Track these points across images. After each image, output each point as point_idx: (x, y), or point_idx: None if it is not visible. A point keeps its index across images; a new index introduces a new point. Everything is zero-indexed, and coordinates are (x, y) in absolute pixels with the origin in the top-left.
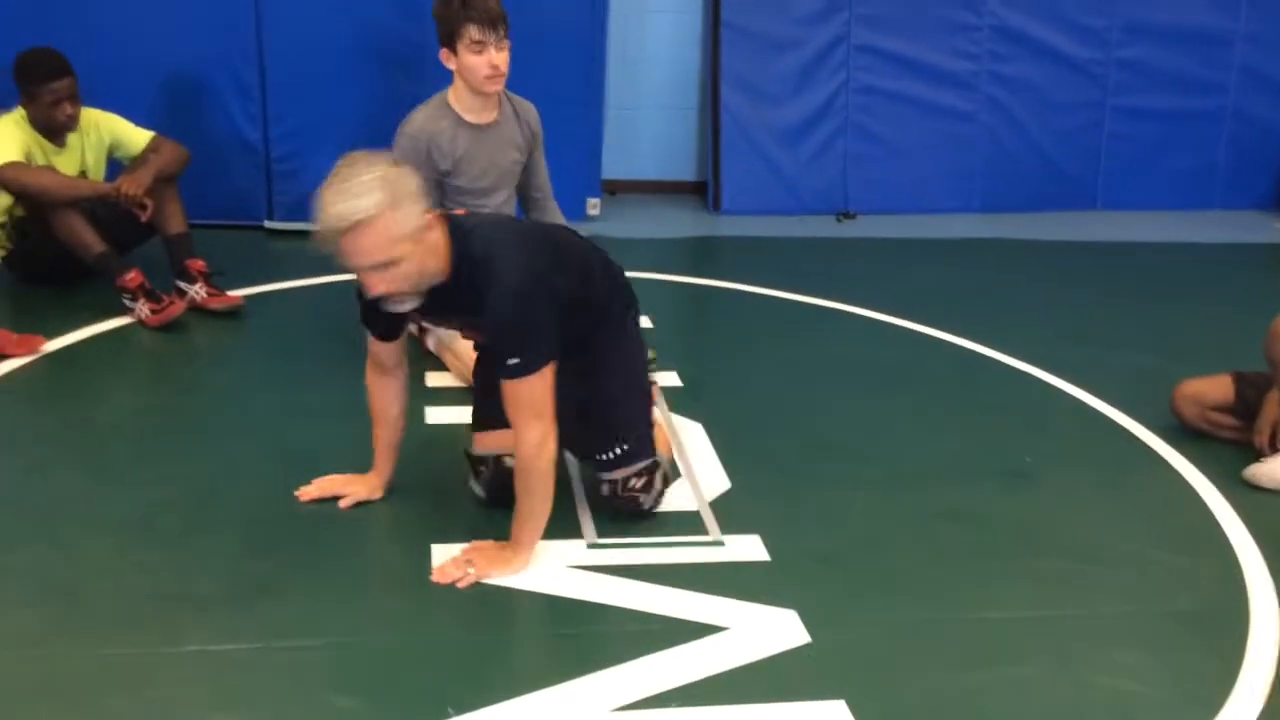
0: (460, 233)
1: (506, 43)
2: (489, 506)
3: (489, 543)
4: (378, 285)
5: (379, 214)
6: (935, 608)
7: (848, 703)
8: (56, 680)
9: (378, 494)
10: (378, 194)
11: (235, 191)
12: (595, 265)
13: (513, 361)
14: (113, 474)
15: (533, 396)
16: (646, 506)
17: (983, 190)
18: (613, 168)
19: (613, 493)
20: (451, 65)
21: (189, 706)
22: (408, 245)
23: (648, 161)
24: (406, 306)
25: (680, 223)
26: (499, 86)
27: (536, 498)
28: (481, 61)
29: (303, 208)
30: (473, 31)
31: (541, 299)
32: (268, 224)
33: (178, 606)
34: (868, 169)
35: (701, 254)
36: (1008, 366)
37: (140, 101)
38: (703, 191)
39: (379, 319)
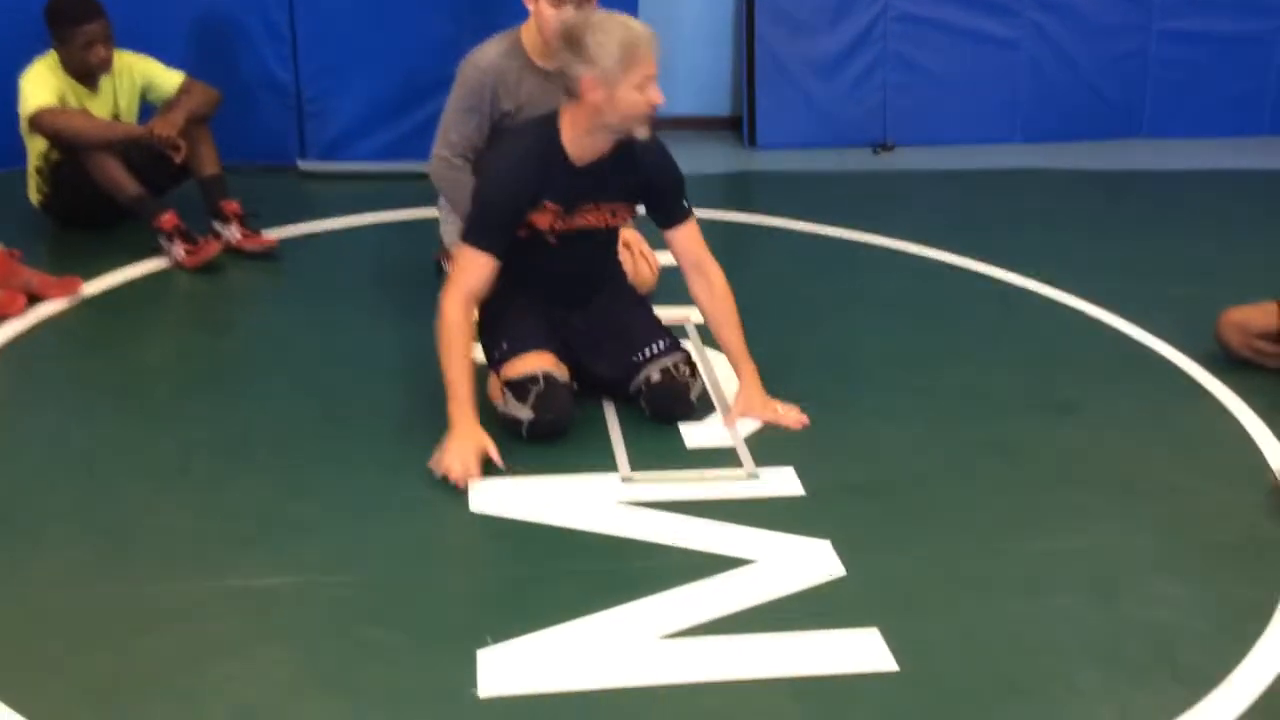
0: None
1: (592, 3)
2: (529, 439)
3: (746, 397)
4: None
5: None
6: (973, 539)
7: (881, 631)
8: (102, 618)
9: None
10: None
11: (267, 132)
12: None
13: (685, 203)
14: (151, 416)
15: (699, 231)
16: (694, 396)
17: (1025, 119)
18: None
19: (666, 377)
20: (530, 7)
21: (232, 640)
22: None
23: (682, 96)
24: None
25: (715, 158)
26: None
27: (737, 315)
28: (556, 15)
29: (335, 147)
30: None
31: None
32: (300, 164)
33: (217, 545)
34: (907, 99)
35: (737, 190)
36: (1049, 298)
37: (171, 44)
38: (738, 126)
39: (492, 228)
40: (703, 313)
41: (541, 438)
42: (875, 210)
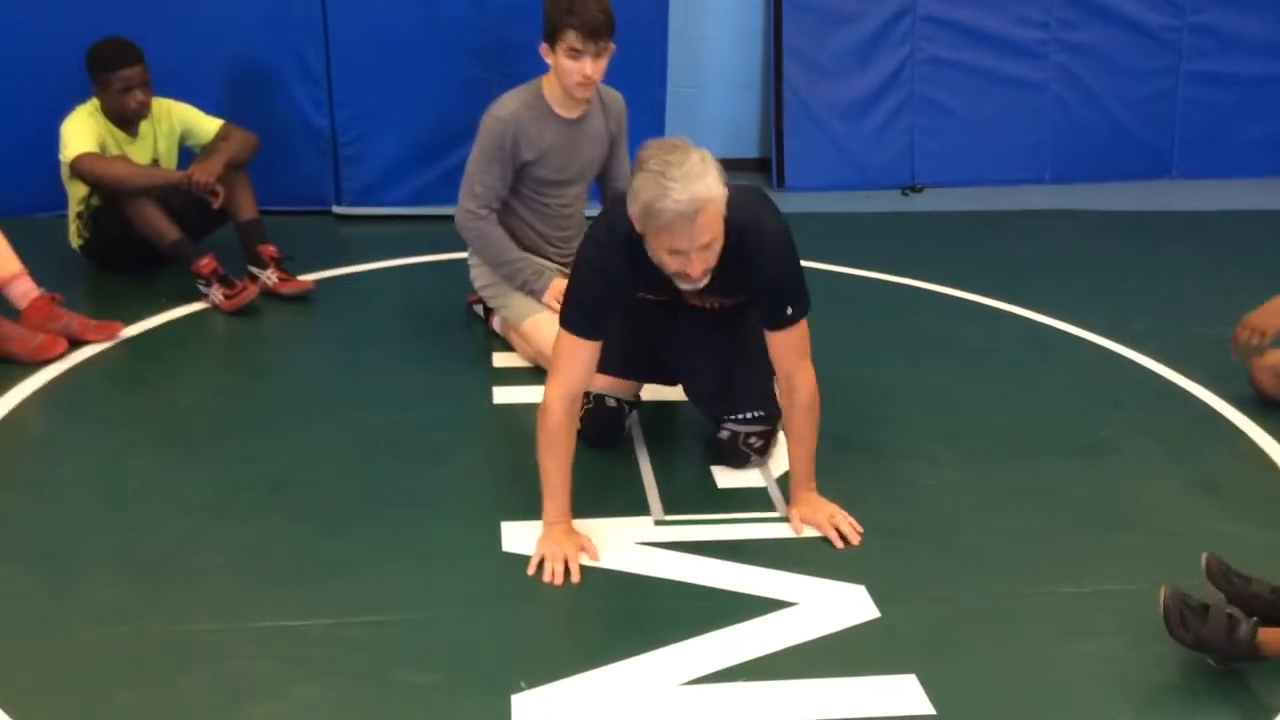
0: None
1: (609, 49)
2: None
3: (797, 510)
4: (700, 262)
5: (721, 193)
6: (1008, 583)
7: (919, 677)
8: (140, 655)
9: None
10: (713, 173)
11: (303, 177)
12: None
13: (790, 311)
14: (191, 456)
15: (805, 338)
16: (753, 465)
17: (1054, 160)
18: None
19: (733, 442)
20: (549, 60)
21: (267, 680)
22: (722, 222)
23: (711, 140)
24: (704, 283)
25: None
26: (588, 94)
27: (814, 434)
28: (575, 69)
29: (370, 192)
30: (572, 38)
31: (792, 248)
32: (335, 209)
33: (254, 584)
34: (935, 141)
35: None
36: (1082, 339)
37: (209, 90)
38: (766, 169)
39: (591, 314)
40: (783, 420)
41: (589, 445)
42: (905, 251)
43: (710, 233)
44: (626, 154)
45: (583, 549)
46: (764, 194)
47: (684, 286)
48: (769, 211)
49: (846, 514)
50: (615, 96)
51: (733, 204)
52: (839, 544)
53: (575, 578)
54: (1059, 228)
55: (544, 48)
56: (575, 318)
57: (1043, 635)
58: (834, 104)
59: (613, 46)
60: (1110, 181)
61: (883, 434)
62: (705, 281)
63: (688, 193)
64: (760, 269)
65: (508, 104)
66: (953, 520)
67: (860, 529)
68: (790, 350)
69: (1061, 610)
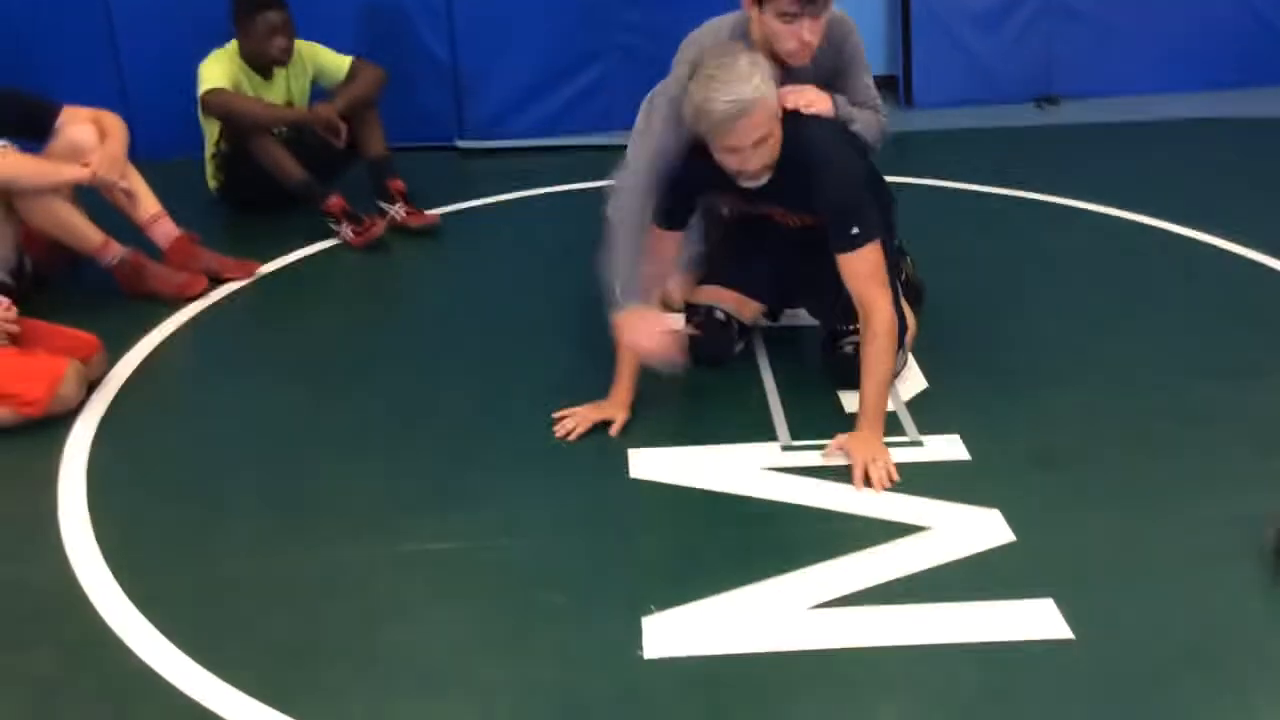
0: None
1: (828, 7)
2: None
3: (845, 436)
4: (755, 159)
5: (767, 92)
6: (1149, 507)
7: (1056, 601)
8: (288, 582)
9: (629, 413)
10: (759, 76)
11: (427, 112)
12: (865, 159)
13: (856, 231)
14: (328, 389)
15: (878, 264)
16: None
17: (1199, 66)
18: None
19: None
20: (752, 13)
21: (408, 604)
22: (776, 121)
23: None
24: (764, 179)
25: None
26: (805, 61)
27: (886, 367)
28: (788, 33)
29: (492, 126)
30: (785, 3)
31: (860, 174)
32: (459, 143)
33: (393, 511)
34: (1072, 49)
35: (897, 151)
36: (1230, 253)
37: (335, 28)
38: (894, 86)
39: (679, 207)
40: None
41: (698, 361)
42: (1041, 167)
43: (761, 130)
44: (860, 80)
45: (624, 411)
46: (831, 126)
47: (745, 184)
48: (835, 142)
49: (890, 462)
50: (840, 20)
51: (788, 124)
52: (859, 485)
53: (571, 436)
54: (1204, 137)
55: (749, 0)
56: (670, 214)
57: (1185, 559)
58: (965, 13)
59: (831, 3)
60: (1260, 86)
61: (1022, 354)
62: (764, 178)
63: (734, 94)
64: (821, 180)
65: (718, 32)
66: (1092, 444)
67: (894, 479)
68: (861, 276)
69: (1204, 535)
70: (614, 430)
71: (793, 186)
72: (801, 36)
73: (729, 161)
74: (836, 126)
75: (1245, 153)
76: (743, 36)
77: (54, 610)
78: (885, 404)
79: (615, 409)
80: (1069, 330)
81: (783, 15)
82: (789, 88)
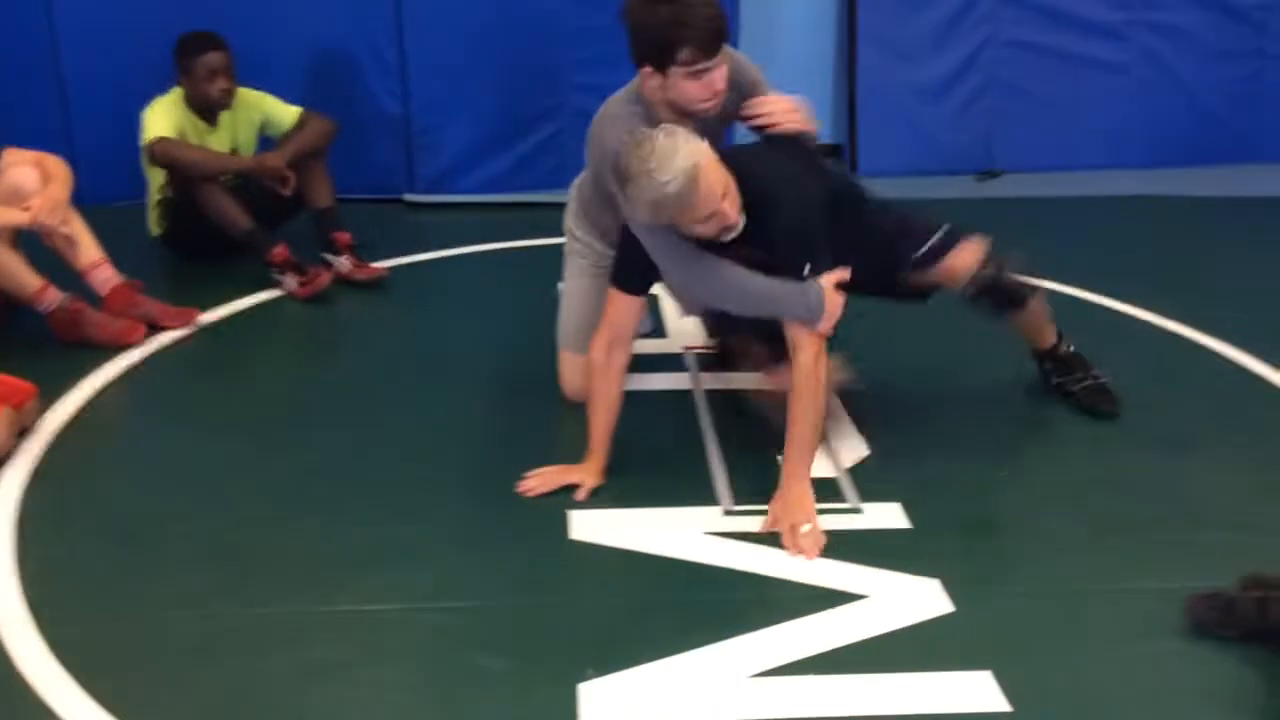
0: (723, 160)
1: (728, 53)
2: None
3: (775, 498)
4: (731, 210)
5: (699, 148)
6: (1088, 579)
7: (994, 674)
8: (218, 638)
9: (601, 480)
10: (681, 138)
11: (377, 165)
12: (822, 169)
13: (809, 270)
14: (267, 440)
15: None
16: (1027, 294)
17: (1137, 145)
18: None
19: (995, 280)
20: (653, 83)
21: (342, 664)
22: (721, 167)
23: None
24: (739, 229)
25: None
26: (718, 107)
27: (809, 420)
28: (700, 87)
29: (442, 181)
30: (689, 55)
31: (814, 206)
32: (408, 197)
33: (331, 568)
34: (1013, 125)
35: None
36: (1164, 330)
37: (284, 77)
38: (840, 154)
39: (636, 272)
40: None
41: None
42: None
43: (719, 182)
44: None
45: (573, 484)
46: (778, 155)
47: (729, 237)
48: (784, 177)
49: (817, 526)
50: (737, 60)
51: (732, 162)
52: (792, 552)
53: (531, 493)
54: (1141, 214)
55: (646, 71)
56: (622, 274)
57: (1122, 632)
58: (910, 87)
59: (730, 48)
60: (1195, 166)
61: (956, 425)
62: (741, 221)
63: (676, 169)
64: (776, 228)
65: (616, 113)
66: (1029, 514)
67: (821, 545)
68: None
69: (1142, 607)
70: (580, 495)
71: (757, 229)
72: (714, 86)
73: (710, 226)
74: (792, 151)
75: (1176, 228)
76: (636, 103)
77: None
78: (811, 456)
79: (586, 474)
80: (1006, 398)
81: (693, 74)
82: (756, 103)
